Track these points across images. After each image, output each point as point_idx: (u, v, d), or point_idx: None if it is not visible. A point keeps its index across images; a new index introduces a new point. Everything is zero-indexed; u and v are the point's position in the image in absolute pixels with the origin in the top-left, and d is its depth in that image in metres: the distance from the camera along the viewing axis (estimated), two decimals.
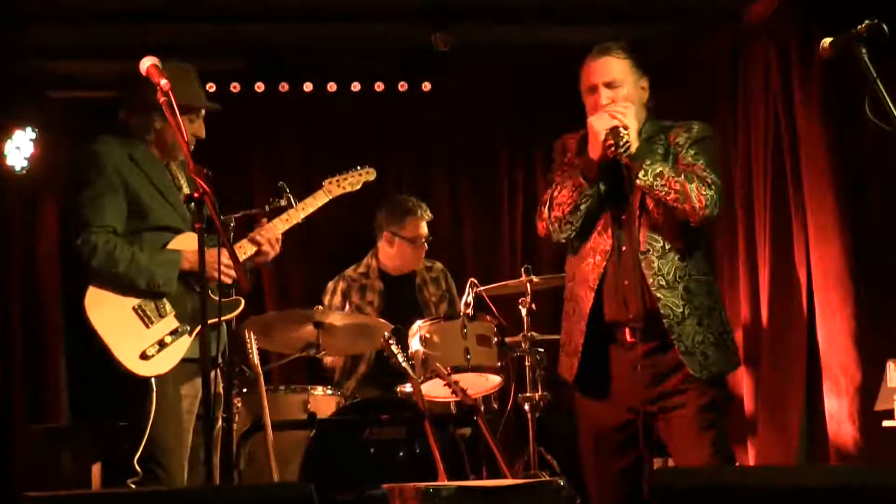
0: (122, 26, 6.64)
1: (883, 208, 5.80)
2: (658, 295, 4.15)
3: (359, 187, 5.20)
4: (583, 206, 4.25)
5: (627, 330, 4.22)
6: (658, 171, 4.13)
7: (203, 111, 4.66)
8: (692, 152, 4.23)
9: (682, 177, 4.12)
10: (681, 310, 4.16)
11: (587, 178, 4.22)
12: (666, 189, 4.12)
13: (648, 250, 4.19)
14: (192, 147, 4.55)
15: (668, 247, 4.20)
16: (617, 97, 4.26)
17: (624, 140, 4.12)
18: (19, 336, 7.16)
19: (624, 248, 4.23)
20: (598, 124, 4.19)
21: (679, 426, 4.19)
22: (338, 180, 5.10)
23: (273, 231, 4.76)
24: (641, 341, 4.18)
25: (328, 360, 6.45)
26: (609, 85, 4.29)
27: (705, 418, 4.17)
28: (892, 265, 5.72)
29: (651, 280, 4.16)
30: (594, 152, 4.19)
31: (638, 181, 4.14)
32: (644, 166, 4.13)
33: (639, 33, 7.09)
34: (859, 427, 5.72)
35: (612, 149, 4.13)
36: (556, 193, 4.31)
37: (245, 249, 4.68)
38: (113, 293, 4.44)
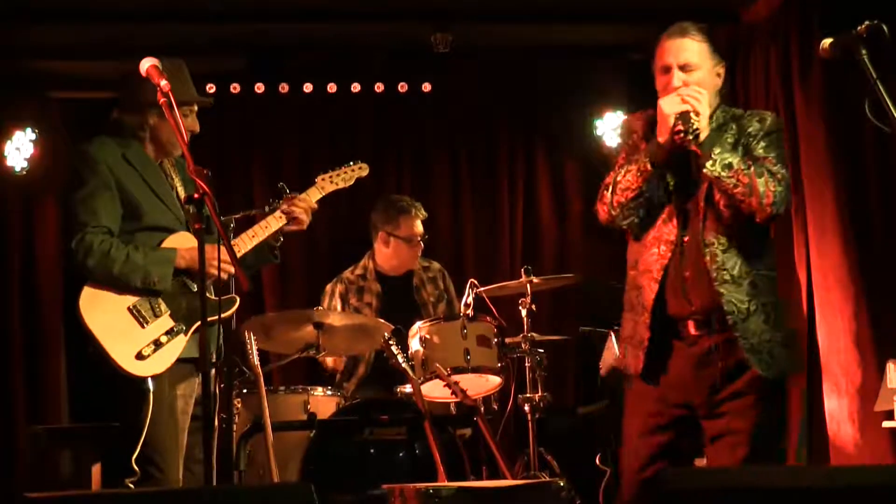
0: (122, 27, 6.64)
1: (883, 209, 5.80)
2: (721, 290, 3.98)
3: (351, 183, 5.16)
4: (647, 193, 4.10)
5: (691, 323, 4.06)
6: (727, 161, 3.96)
7: (196, 106, 4.66)
8: (763, 144, 4.06)
9: (752, 170, 3.96)
10: (745, 306, 3.99)
11: (654, 163, 4.06)
12: (734, 181, 3.96)
13: (713, 243, 4.02)
14: (188, 140, 4.56)
15: (733, 241, 4.03)
16: (690, 81, 4.08)
17: (694, 126, 3.96)
18: (19, 337, 7.16)
19: (687, 239, 4.07)
20: (669, 107, 4.01)
21: (731, 428, 4.02)
22: (331, 176, 5.08)
23: (309, 200, 4.82)
24: (706, 336, 4.04)
25: (329, 363, 6.46)
26: (684, 67, 4.10)
27: (760, 420, 4.00)
28: (892, 266, 5.72)
29: (715, 274, 4.00)
30: (663, 136, 4.03)
31: (705, 170, 3.98)
32: (713, 155, 3.96)
33: (638, 33, 7.12)
34: (859, 427, 5.73)
35: (681, 135, 3.97)
36: (619, 177, 4.13)
37: (277, 220, 4.70)
38: (108, 293, 4.43)
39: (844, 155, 5.87)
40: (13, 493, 6.80)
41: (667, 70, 4.14)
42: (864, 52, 3.44)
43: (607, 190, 4.18)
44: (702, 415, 4.07)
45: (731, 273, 4.01)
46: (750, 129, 4.10)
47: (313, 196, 4.93)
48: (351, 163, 5.18)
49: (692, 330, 4.06)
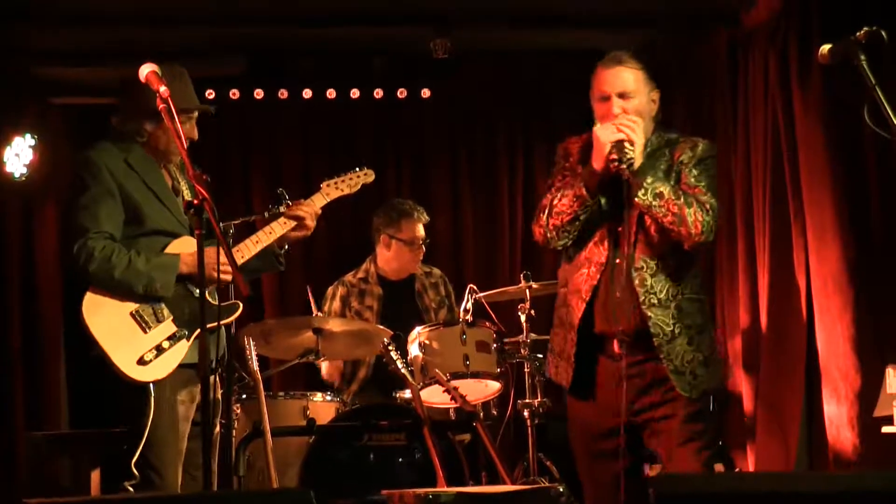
0: (122, 33, 6.65)
1: (882, 214, 5.80)
2: (649, 313, 4.15)
3: (357, 189, 5.13)
4: (582, 217, 4.23)
5: (616, 342, 4.21)
6: (658, 191, 4.10)
7: (196, 113, 4.66)
8: (695, 172, 4.20)
9: (682, 199, 4.10)
10: (671, 328, 4.16)
11: (588, 190, 4.19)
12: (664, 211, 4.11)
13: (642, 267, 4.17)
14: (187, 146, 4.56)
15: (661, 265, 4.18)
16: (629, 108, 4.21)
17: (627, 156, 4.08)
18: (18, 343, 7.16)
19: (618, 262, 4.21)
20: (604, 136, 4.14)
21: (666, 438, 4.20)
22: (336, 182, 5.05)
23: (314, 206, 4.82)
24: (628, 354, 4.17)
25: (324, 373, 6.45)
26: (622, 96, 4.24)
27: (691, 429, 4.17)
28: (891, 271, 5.72)
29: (643, 297, 4.15)
30: (597, 163, 4.16)
31: (636, 199, 4.13)
32: (645, 185, 4.10)
33: (637, 37, 7.13)
34: (858, 433, 5.72)
35: (615, 163, 4.09)
36: (556, 201, 4.28)
37: (281, 226, 4.70)
38: (110, 299, 4.43)
39: (843, 160, 5.87)
40: (13, 498, 6.79)
41: (605, 98, 4.31)
42: (862, 58, 3.44)
43: (543, 213, 4.34)
44: (635, 423, 4.23)
45: (658, 297, 4.18)
46: (682, 158, 4.24)
47: (318, 202, 4.91)
48: (357, 169, 5.14)
49: (616, 348, 4.23)
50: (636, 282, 4.16)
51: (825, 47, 3.58)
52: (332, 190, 5.01)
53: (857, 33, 3.47)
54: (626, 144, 4.11)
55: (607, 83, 4.29)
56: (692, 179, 4.19)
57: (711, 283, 6.72)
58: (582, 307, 4.24)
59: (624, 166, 4.09)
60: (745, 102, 6.63)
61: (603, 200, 4.23)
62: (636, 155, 4.11)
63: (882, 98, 3.38)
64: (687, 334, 4.17)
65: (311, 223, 4.78)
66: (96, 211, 4.44)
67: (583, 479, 4.44)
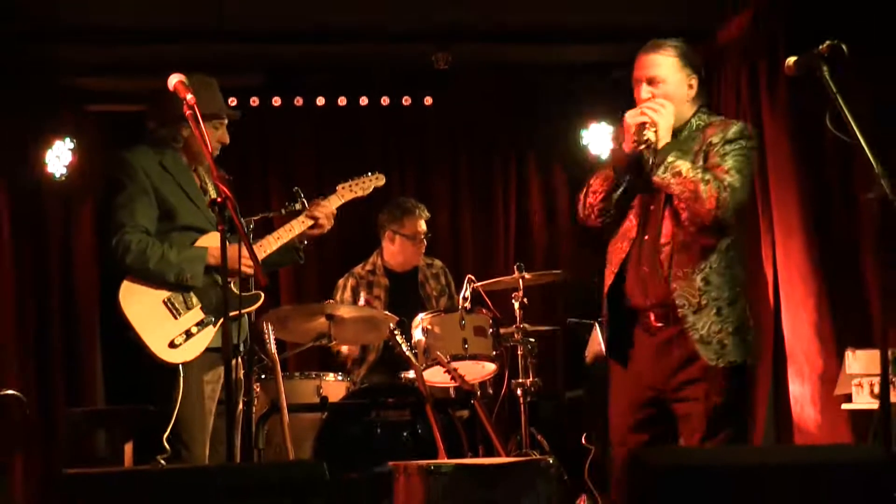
0: (151, 46, 6.64)
1: (843, 212, 5.80)
2: (674, 285, 3.97)
3: (369, 192, 5.13)
4: (614, 195, 4.11)
5: (651, 315, 4.06)
6: (678, 169, 3.93)
7: (226, 120, 4.66)
8: (721, 152, 4.00)
9: (699, 176, 3.92)
10: (697, 300, 3.96)
11: (616, 169, 4.10)
12: (681, 188, 3.94)
13: (669, 242, 4.01)
14: (218, 151, 4.56)
15: (689, 240, 4.00)
16: (657, 93, 4.06)
17: (645, 137, 3.96)
18: (59, 328, 7.16)
19: (647, 237, 4.07)
20: (630, 119, 4.02)
21: (692, 413, 4.01)
22: (350, 185, 5.04)
23: (329, 206, 4.80)
24: (664, 327, 4.03)
25: (344, 351, 6.45)
26: (651, 81, 4.09)
27: (718, 407, 3.97)
28: (850, 264, 5.72)
29: (668, 271, 3.99)
30: (626, 145, 4.04)
31: (655, 177, 3.98)
32: (666, 163, 3.94)
33: (621, 51, 7.10)
34: (820, 410, 5.72)
35: (635, 144, 3.99)
36: (592, 180, 4.18)
37: (300, 224, 4.71)
38: (145, 287, 4.44)
39: (808, 163, 5.87)
40: (54, 469, 6.80)
41: (637, 82, 4.15)
42: (825, 69, 3.44)
43: (582, 191, 4.24)
44: (668, 399, 4.07)
45: (684, 270, 3.99)
46: (712, 139, 4.05)
47: (333, 203, 4.91)
48: (369, 173, 5.13)
49: (653, 321, 4.07)
50: (661, 255, 4.01)
51: (790, 60, 3.57)
52: (347, 192, 5.01)
53: (820, 47, 3.46)
54: (648, 126, 3.98)
55: (639, 68, 4.14)
56: (717, 159, 3.99)
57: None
58: (611, 278, 4.13)
59: (642, 146, 3.99)
60: (718, 112, 6.60)
61: (636, 179, 4.09)
62: (659, 136, 3.98)
63: (843, 106, 3.37)
64: (715, 305, 3.96)
65: (326, 223, 4.79)
66: (133, 208, 4.45)
67: (613, 443, 4.26)
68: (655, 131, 3.99)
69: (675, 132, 4.07)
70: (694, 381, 4.00)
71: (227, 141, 4.64)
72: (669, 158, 3.96)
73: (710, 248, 4.01)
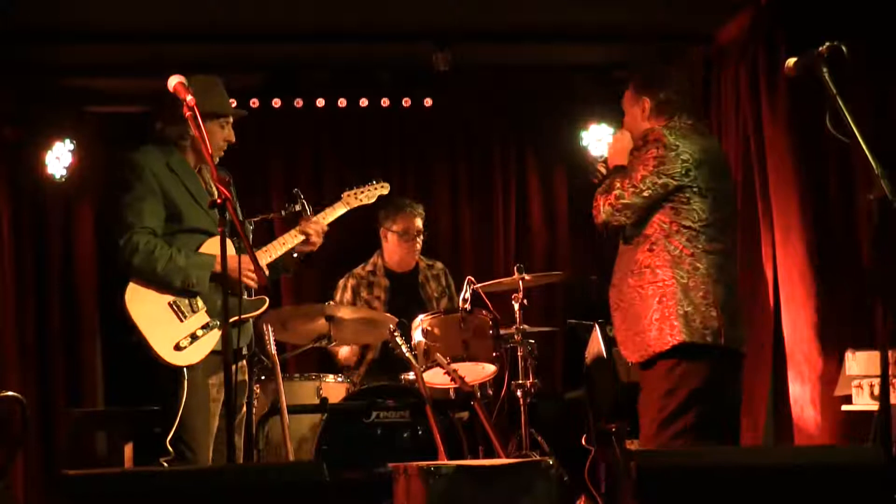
0: (152, 47, 6.65)
1: (843, 213, 5.80)
2: (611, 292, 4.42)
3: (374, 200, 5.19)
4: None
5: None
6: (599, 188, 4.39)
7: (231, 118, 4.66)
8: (631, 163, 4.36)
9: (599, 192, 4.35)
10: (618, 303, 4.36)
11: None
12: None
13: (619, 250, 4.44)
14: (224, 151, 4.60)
15: (622, 248, 4.40)
16: (624, 124, 4.51)
17: (597, 172, 4.48)
18: (59, 328, 7.16)
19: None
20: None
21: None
22: (356, 193, 5.09)
23: (321, 223, 4.82)
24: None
25: (342, 357, 6.45)
26: (624, 114, 4.53)
27: (645, 395, 4.37)
28: (850, 264, 5.72)
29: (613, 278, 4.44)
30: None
31: None
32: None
33: (621, 52, 7.13)
34: (820, 411, 5.72)
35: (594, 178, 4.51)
36: None
37: (293, 237, 4.74)
38: (151, 289, 4.43)
39: (807, 164, 5.87)
40: (53, 469, 6.80)
41: None
42: (825, 70, 3.44)
43: None
44: None
45: (616, 277, 4.41)
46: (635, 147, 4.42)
47: (339, 210, 4.97)
48: (374, 181, 5.19)
49: None
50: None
51: (791, 61, 3.58)
52: (353, 199, 5.07)
53: (820, 48, 3.46)
54: (601, 159, 4.54)
55: None
56: (628, 167, 4.37)
57: None
58: None
59: (594, 181, 4.47)
60: (718, 112, 6.62)
61: None
62: (609, 163, 4.46)
63: (842, 107, 3.37)
64: (631, 306, 4.30)
65: (317, 239, 4.79)
66: (140, 208, 4.44)
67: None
68: (605, 162, 4.48)
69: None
70: (639, 373, 4.41)
71: (234, 139, 4.65)
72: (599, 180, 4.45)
73: (632, 252, 4.32)
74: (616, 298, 4.35)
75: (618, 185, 4.26)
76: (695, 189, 4.23)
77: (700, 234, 4.24)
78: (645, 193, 4.23)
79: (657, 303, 4.22)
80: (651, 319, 4.22)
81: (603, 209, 4.28)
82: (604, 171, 4.45)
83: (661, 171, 4.20)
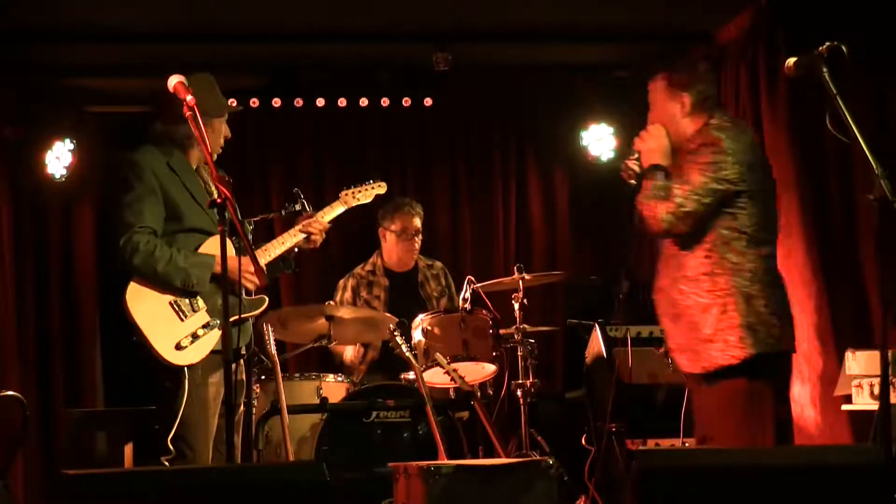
0: (152, 47, 6.65)
1: (842, 213, 5.80)
2: (658, 297, 4.24)
3: (371, 199, 5.23)
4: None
5: None
6: (645, 192, 4.17)
7: (226, 114, 4.68)
8: (687, 163, 4.14)
9: (655, 194, 4.12)
10: (672, 310, 4.16)
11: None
12: (643, 209, 4.18)
13: (664, 254, 4.25)
14: (221, 148, 4.62)
15: (671, 252, 4.20)
16: (653, 118, 4.31)
17: (626, 168, 4.28)
18: (59, 330, 7.16)
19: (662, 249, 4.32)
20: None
21: (698, 417, 4.27)
22: (353, 192, 5.13)
23: (323, 221, 4.86)
24: None
25: (348, 358, 6.45)
26: (650, 109, 4.34)
27: (709, 410, 4.15)
28: (850, 264, 5.71)
29: (657, 283, 4.28)
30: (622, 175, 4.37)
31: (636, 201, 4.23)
32: (643, 185, 4.20)
33: (621, 52, 7.13)
34: (821, 411, 5.72)
35: (624, 174, 4.31)
36: None
37: (293, 235, 4.77)
38: (152, 289, 4.44)
39: (808, 164, 5.87)
40: (53, 469, 6.80)
41: None
42: (825, 70, 3.44)
43: None
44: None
45: (664, 282, 4.23)
46: (690, 148, 4.19)
47: (337, 209, 4.99)
48: (371, 181, 5.23)
49: None
50: (657, 268, 4.28)
51: (791, 61, 3.57)
52: (350, 199, 5.11)
53: (820, 48, 3.46)
54: (632, 155, 4.27)
55: None
56: (685, 170, 4.15)
57: None
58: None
59: (625, 177, 4.29)
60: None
61: None
62: (642, 161, 4.24)
63: (842, 107, 3.37)
64: (688, 314, 4.11)
65: (319, 238, 4.84)
66: (141, 208, 4.45)
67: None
68: (638, 158, 4.24)
69: (680, 149, 4.24)
70: (692, 386, 4.22)
71: (230, 135, 4.67)
72: (645, 180, 4.21)
73: (685, 258, 4.15)
74: (666, 304, 4.17)
75: (677, 191, 4.06)
76: (749, 192, 4.11)
77: (754, 238, 4.12)
78: (706, 201, 4.07)
79: (720, 313, 4.07)
80: (714, 330, 4.06)
81: (664, 218, 4.07)
82: (637, 168, 4.25)
83: (721, 178, 4.06)
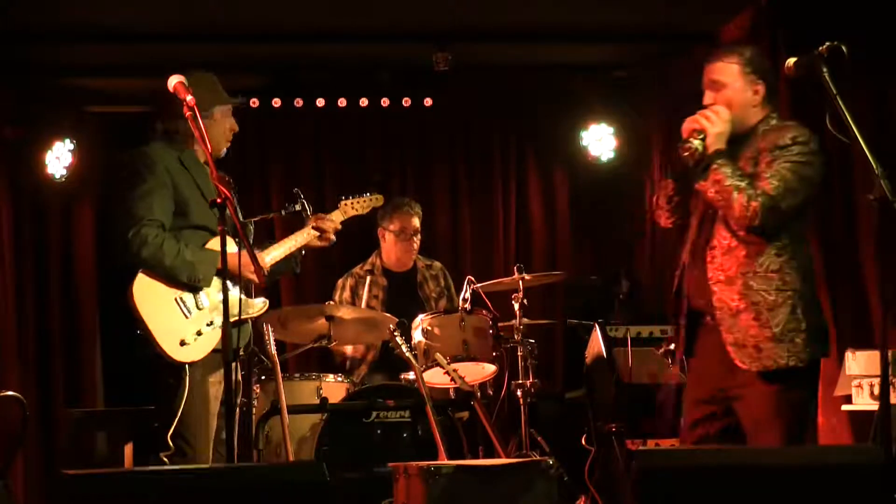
0: (152, 47, 6.65)
1: (842, 213, 5.80)
2: (714, 289, 4.01)
3: (367, 211, 5.33)
4: (676, 198, 4.18)
5: (707, 317, 4.09)
6: (718, 176, 3.95)
7: (231, 107, 4.69)
8: (768, 159, 3.99)
9: (734, 185, 3.92)
10: (735, 304, 3.98)
11: (673, 174, 4.17)
12: (715, 195, 3.97)
13: (716, 246, 4.04)
14: (230, 141, 4.66)
15: (734, 244, 4.01)
16: (718, 99, 4.08)
17: (688, 144, 3.99)
18: (59, 330, 7.17)
19: (701, 240, 4.12)
20: (685, 125, 4.06)
21: (744, 416, 4.04)
22: (352, 202, 5.22)
23: (335, 221, 4.92)
24: (716, 328, 4.04)
25: (349, 351, 6.45)
26: (713, 86, 4.11)
27: (766, 410, 3.97)
28: (850, 266, 5.72)
29: (711, 274, 4.03)
30: (681, 150, 4.07)
31: (697, 183, 4.03)
32: (711, 169, 3.97)
33: (621, 53, 7.13)
34: (821, 411, 5.72)
35: (680, 150, 4.03)
36: (663, 182, 4.26)
37: (305, 233, 4.81)
38: (158, 283, 4.43)
39: None
40: (53, 469, 6.80)
41: (705, 89, 4.16)
42: (825, 70, 3.44)
43: (655, 194, 4.34)
44: (728, 397, 4.08)
45: (727, 273, 4.01)
46: (765, 144, 4.04)
47: (337, 218, 5.02)
48: (368, 193, 5.32)
49: (709, 322, 4.10)
50: (707, 259, 4.05)
51: (791, 61, 3.58)
52: (349, 209, 5.20)
53: (820, 48, 3.46)
54: (696, 133, 4.00)
55: (705, 75, 4.15)
56: (763, 165, 3.99)
57: None
58: (676, 280, 4.20)
59: (686, 154, 4.00)
60: None
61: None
62: (709, 142, 3.99)
63: (842, 107, 3.37)
64: (754, 310, 3.96)
65: (332, 236, 4.89)
66: (151, 201, 4.45)
67: (681, 438, 4.32)
68: (704, 138, 4.00)
69: (739, 138, 4.07)
70: (742, 381, 4.02)
71: (237, 128, 4.69)
72: (714, 164, 3.97)
73: (754, 252, 4.00)
74: (726, 298, 4.00)
75: (771, 185, 3.92)
76: (815, 196, 4.10)
77: (809, 241, 4.10)
78: (798, 199, 3.97)
79: (789, 312, 3.97)
80: (784, 330, 3.96)
81: (755, 209, 3.89)
82: (700, 148, 4.00)
83: (812, 178, 3.99)
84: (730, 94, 4.08)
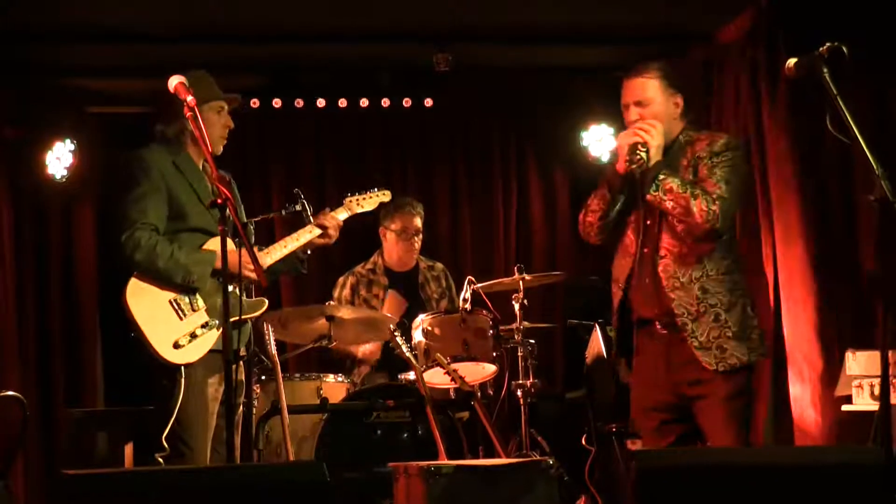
0: (152, 47, 6.65)
1: (842, 213, 5.80)
2: (672, 295, 4.11)
3: (374, 207, 5.28)
4: (611, 214, 4.28)
5: (657, 324, 4.19)
6: (668, 186, 4.07)
7: (226, 105, 4.68)
8: (709, 165, 4.14)
9: (689, 192, 4.05)
10: (695, 308, 4.09)
11: (611, 189, 4.25)
12: (672, 204, 4.08)
13: (666, 254, 4.15)
14: (226, 139, 4.64)
15: (685, 251, 4.13)
16: (645, 115, 4.20)
17: (637, 157, 4.10)
18: (59, 328, 7.16)
19: (646, 251, 4.20)
20: (622, 140, 4.18)
21: (707, 415, 4.13)
22: (357, 199, 5.17)
23: (337, 218, 4.90)
24: (668, 335, 4.16)
25: (363, 352, 6.43)
26: (638, 103, 4.23)
27: (729, 408, 4.10)
28: (849, 265, 5.71)
29: (666, 282, 4.13)
30: (619, 165, 4.18)
31: (648, 195, 4.13)
32: (656, 181, 4.08)
33: (621, 54, 7.12)
34: (821, 411, 5.72)
35: (627, 164, 4.12)
36: (590, 200, 4.35)
37: (308, 233, 4.79)
38: (152, 286, 4.45)
39: (807, 164, 5.87)
40: (53, 470, 6.80)
41: (626, 107, 4.30)
42: (825, 70, 3.43)
43: (582, 210, 4.40)
44: (686, 401, 4.18)
45: (682, 280, 4.13)
46: (700, 153, 4.19)
47: (341, 215, 5.00)
48: (375, 189, 5.27)
49: (658, 329, 4.21)
50: (660, 268, 4.15)
51: (791, 61, 3.57)
52: (355, 205, 5.15)
53: (821, 48, 3.46)
54: (640, 146, 4.12)
55: (627, 93, 4.29)
56: (705, 171, 4.13)
57: None
58: (619, 294, 4.28)
59: (634, 166, 4.12)
60: (718, 113, 6.62)
61: (631, 196, 4.26)
62: (651, 154, 4.12)
63: (842, 107, 3.37)
64: (713, 312, 4.09)
65: (334, 233, 4.87)
66: (145, 205, 4.46)
67: (644, 444, 4.42)
68: (647, 151, 4.13)
69: (665, 150, 4.20)
70: (703, 381, 4.12)
71: (232, 125, 4.68)
72: (661, 176, 4.10)
73: (705, 256, 4.14)
74: (685, 303, 4.11)
75: (720, 189, 4.06)
76: None
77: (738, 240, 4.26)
78: (742, 199, 4.24)
79: (742, 311, 4.14)
80: (742, 328, 4.11)
81: (714, 213, 4.02)
82: (646, 157, 4.11)
83: (748, 180, 4.25)
84: (656, 109, 4.24)
